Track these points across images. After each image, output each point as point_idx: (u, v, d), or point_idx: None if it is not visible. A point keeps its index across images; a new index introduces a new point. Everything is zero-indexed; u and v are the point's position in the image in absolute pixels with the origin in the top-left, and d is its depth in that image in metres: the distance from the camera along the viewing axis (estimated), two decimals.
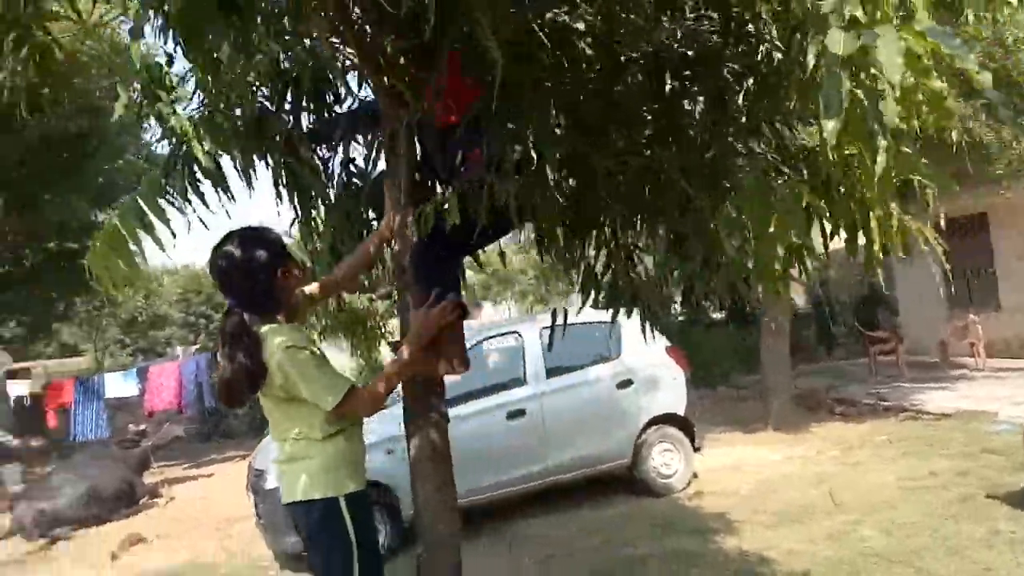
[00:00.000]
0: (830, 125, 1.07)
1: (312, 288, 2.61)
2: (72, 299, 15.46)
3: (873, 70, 1.06)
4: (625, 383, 7.18)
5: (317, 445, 2.31)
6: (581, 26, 1.75)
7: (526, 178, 1.79)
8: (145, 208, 2.51)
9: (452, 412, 6.52)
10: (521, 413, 6.71)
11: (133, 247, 2.53)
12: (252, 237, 2.35)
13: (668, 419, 7.29)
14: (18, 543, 8.20)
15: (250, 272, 2.31)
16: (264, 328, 2.31)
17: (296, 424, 2.33)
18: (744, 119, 1.77)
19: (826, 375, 13.10)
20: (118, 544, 7.47)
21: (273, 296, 2.36)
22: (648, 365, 7.29)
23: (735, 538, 5.67)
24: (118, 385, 11.85)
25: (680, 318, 15.07)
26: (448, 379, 6.82)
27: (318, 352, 2.36)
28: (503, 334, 7.20)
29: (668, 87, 1.84)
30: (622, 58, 1.80)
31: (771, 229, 1.33)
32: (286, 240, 2.53)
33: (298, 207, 2.92)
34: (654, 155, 1.91)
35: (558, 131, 1.83)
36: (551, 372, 6.98)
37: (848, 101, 1.06)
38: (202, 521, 8.42)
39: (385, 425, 6.21)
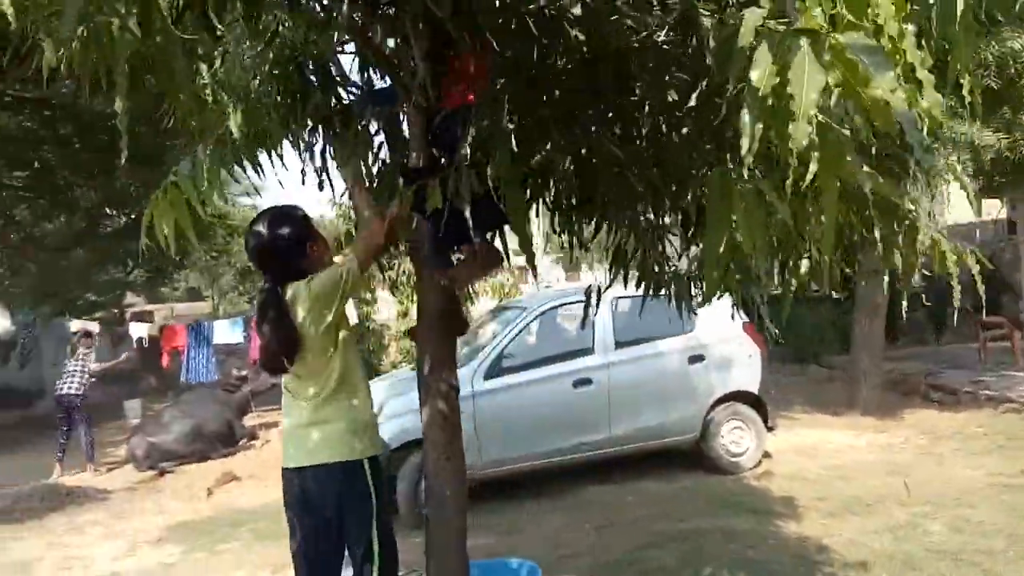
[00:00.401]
0: (745, 145, 1.06)
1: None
2: (185, 247, 16.50)
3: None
4: (696, 358, 7.09)
5: (339, 407, 2.47)
6: (577, 10, 1.74)
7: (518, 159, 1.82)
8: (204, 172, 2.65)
9: (518, 378, 6.71)
10: (587, 382, 6.76)
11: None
12: (280, 215, 2.51)
13: (740, 397, 7.16)
14: (130, 472, 9.07)
15: (282, 248, 2.47)
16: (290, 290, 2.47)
17: (315, 382, 2.48)
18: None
19: (929, 359, 12.38)
20: (214, 480, 8.12)
21: (303, 269, 2.51)
22: (722, 341, 7.16)
23: (797, 523, 5.56)
24: (226, 332, 12.72)
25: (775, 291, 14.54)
26: (515, 345, 6.92)
27: None
28: (573, 302, 7.24)
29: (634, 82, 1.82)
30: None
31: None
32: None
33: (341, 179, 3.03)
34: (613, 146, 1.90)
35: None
36: (620, 343, 6.97)
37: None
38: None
39: None
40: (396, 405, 6.42)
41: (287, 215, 2.52)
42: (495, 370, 6.61)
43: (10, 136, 10.84)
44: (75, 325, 15.92)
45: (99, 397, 14.95)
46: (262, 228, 2.48)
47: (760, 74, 1.05)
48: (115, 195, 12.86)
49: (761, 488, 6.60)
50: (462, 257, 2.51)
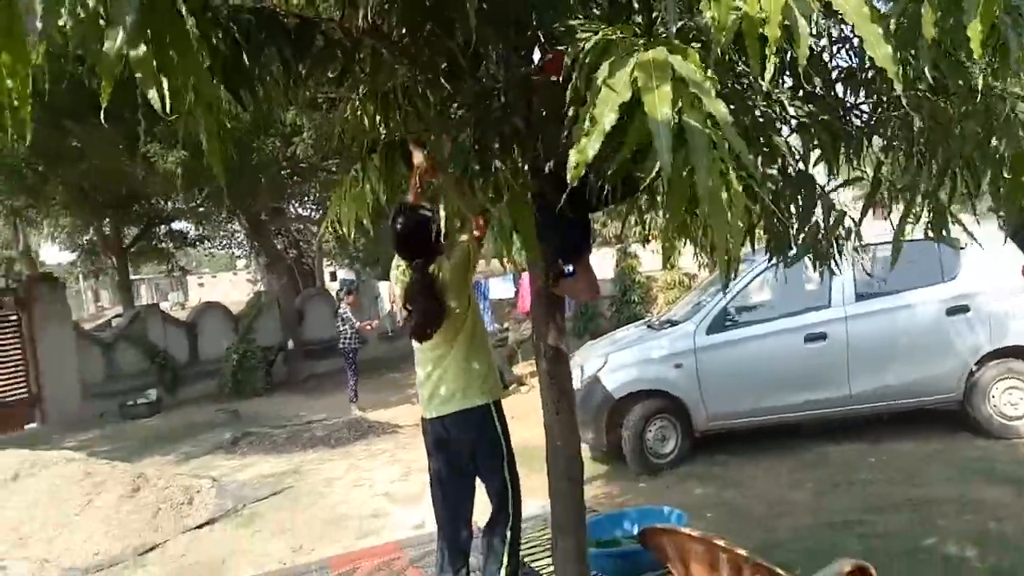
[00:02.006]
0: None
1: None
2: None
3: None
4: (958, 308, 6.32)
5: (468, 359, 2.93)
6: None
7: None
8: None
9: (743, 332, 6.65)
10: (822, 337, 6.42)
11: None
12: (414, 207, 2.98)
13: (1018, 352, 6.26)
14: (419, 409, 10.61)
15: (422, 232, 2.93)
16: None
17: (449, 339, 2.95)
18: None
19: None
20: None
21: (437, 250, 2.97)
22: (994, 289, 6.29)
23: None
24: (500, 287, 13.99)
25: None
26: (742, 299, 6.83)
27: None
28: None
29: None
30: None
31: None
32: None
33: None
34: None
35: None
36: (862, 295, 6.48)
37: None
38: None
39: (675, 341, 6.62)
40: (619, 358, 6.75)
41: (418, 207, 2.98)
42: (719, 325, 6.59)
43: None
44: (384, 287, 18.64)
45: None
46: (404, 218, 2.98)
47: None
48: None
49: None
50: (570, 269, 2.75)
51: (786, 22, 1.30)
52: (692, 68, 1.20)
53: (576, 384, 6.97)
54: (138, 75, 1.25)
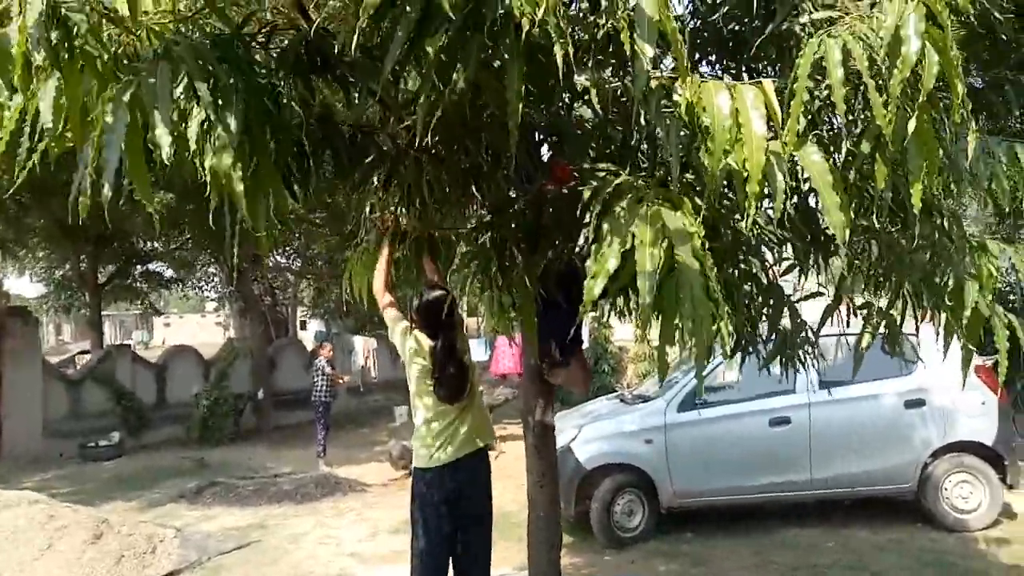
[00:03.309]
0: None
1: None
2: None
3: None
4: (915, 402, 6.64)
5: (475, 410, 3.23)
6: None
7: None
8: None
9: (712, 412, 6.88)
10: (785, 421, 6.69)
11: None
12: (435, 287, 3.23)
13: (969, 447, 6.56)
14: (388, 469, 10.59)
15: (442, 309, 3.18)
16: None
17: (468, 395, 3.26)
18: None
19: None
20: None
21: (454, 323, 3.24)
22: (947, 385, 6.62)
23: None
24: (479, 350, 14.17)
25: None
26: (711, 379, 7.07)
27: None
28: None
29: None
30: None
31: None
32: None
33: None
34: None
35: None
36: (825, 383, 6.78)
37: None
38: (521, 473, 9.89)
39: (646, 416, 6.84)
40: (592, 430, 6.93)
41: (438, 286, 3.23)
42: (690, 403, 6.82)
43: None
44: (359, 341, 18.68)
45: (383, 401, 17.54)
46: (430, 297, 3.22)
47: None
48: None
49: (986, 551, 6.02)
50: (563, 360, 2.98)
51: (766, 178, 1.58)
52: (682, 221, 1.46)
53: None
54: (221, 183, 1.48)
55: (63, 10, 1.50)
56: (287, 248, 17.49)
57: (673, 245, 1.42)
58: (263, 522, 7.75)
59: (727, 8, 2.01)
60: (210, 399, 13.28)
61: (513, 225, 2.07)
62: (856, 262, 2.49)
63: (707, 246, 1.57)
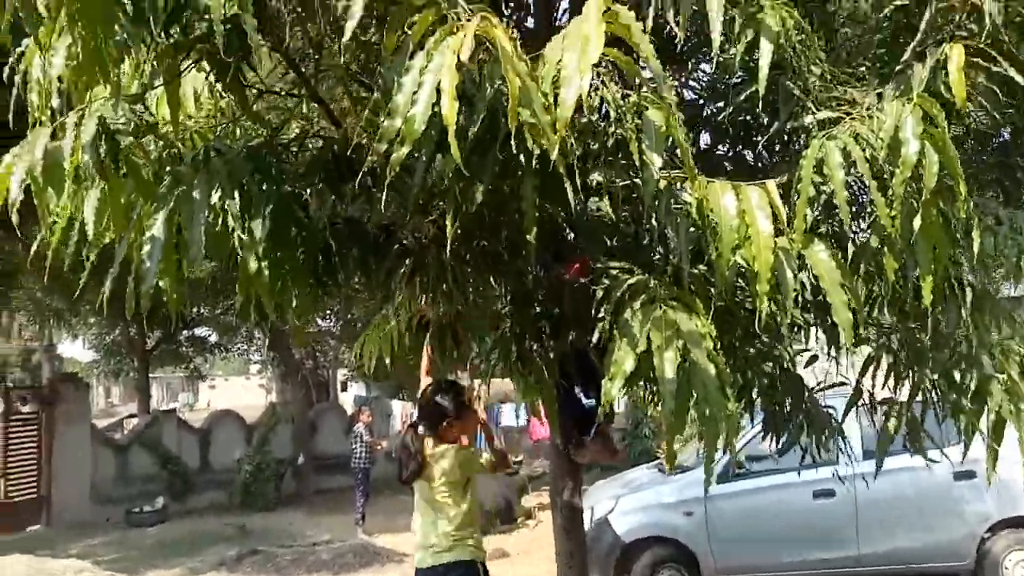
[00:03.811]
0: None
1: None
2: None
3: None
4: (965, 474, 6.38)
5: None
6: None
7: None
8: None
9: (753, 483, 6.73)
10: (829, 493, 6.48)
11: None
12: (440, 387, 3.30)
13: None
14: None
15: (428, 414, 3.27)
16: None
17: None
18: None
19: None
20: (487, 555, 9.11)
21: (440, 434, 3.27)
22: (1002, 456, 6.37)
23: None
24: (510, 415, 14.10)
25: None
26: (750, 448, 6.91)
27: None
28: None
29: None
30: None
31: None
32: None
33: None
34: None
35: None
36: (870, 453, 6.57)
37: None
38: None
39: (685, 488, 6.70)
40: (630, 502, 6.81)
41: (442, 390, 3.25)
42: (729, 473, 6.67)
43: None
44: (397, 406, 18.76)
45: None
46: (426, 396, 3.29)
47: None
48: None
49: None
50: (587, 438, 3.00)
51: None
52: (695, 323, 1.51)
53: (586, 525, 7.01)
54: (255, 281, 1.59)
55: (111, 127, 1.64)
56: (328, 312, 17.79)
57: (687, 347, 1.47)
58: None
59: (732, 108, 2.09)
60: (252, 464, 13.40)
61: (534, 313, 2.15)
62: (877, 355, 2.49)
63: (720, 340, 1.61)
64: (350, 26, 1.40)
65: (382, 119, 1.38)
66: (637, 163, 1.49)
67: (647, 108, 1.53)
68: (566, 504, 2.86)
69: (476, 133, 1.40)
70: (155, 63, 1.71)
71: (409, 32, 1.42)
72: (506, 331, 2.07)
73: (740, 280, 1.84)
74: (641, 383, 2.06)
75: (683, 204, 1.67)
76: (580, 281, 2.03)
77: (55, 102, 1.81)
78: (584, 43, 1.28)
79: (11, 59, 1.79)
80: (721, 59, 1.88)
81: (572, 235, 2.11)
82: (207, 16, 1.64)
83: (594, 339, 1.67)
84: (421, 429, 3.30)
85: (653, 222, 1.71)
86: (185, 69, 1.84)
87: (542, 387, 2.12)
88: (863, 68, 2.32)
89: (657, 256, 1.90)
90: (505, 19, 1.63)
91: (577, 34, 1.31)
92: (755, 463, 6.88)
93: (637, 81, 1.52)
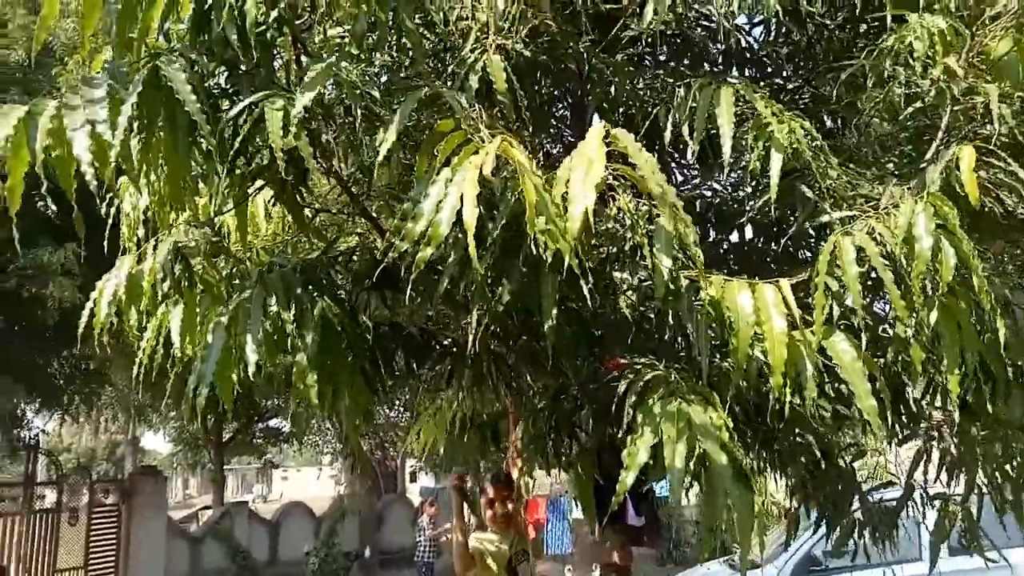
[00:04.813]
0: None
1: None
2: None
3: None
4: None
5: None
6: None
7: None
8: None
9: None
10: None
11: None
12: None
13: None
14: None
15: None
16: None
17: None
18: None
19: None
20: None
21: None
22: None
23: None
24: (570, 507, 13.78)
25: None
26: (827, 543, 6.58)
27: None
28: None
29: None
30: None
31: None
32: None
33: None
34: None
35: None
36: (956, 550, 6.18)
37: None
38: None
39: None
40: None
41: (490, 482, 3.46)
42: (802, 570, 6.37)
43: None
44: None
45: None
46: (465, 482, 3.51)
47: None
48: None
49: None
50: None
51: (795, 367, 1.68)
52: (710, 416, 1.57)
53: None
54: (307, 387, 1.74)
55: (183, 249, 1.86)
56: (395, 403, 18.02)
57: (699, 440, 1.53)
58: None
59: (754, 210, 2.19)
60: (319, 557, 13.42)
61: (569, 408, 2.24)
62: (927, 448, 2.46)
63: (753, 433, 1.66)
64: (384, 148, 1.59)
65: (408, 224, 1.55)
66: (650, 265, 1.60)
67: (658, 215, 1.64)
68: None
69: (501, 238, 1.54)
70: (225, 191, 1.94)
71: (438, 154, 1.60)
72: (542, 428, 2.17)
73: (764, 371, 1.89)
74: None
75: (701, 302, 1.75)
76: (615, 376, 2.10)
77: (140, 232, 2.07)
78: (588, 165, 1.42)
79: (108, 196, 2.06)
80: (740, 167, 1.99)
81: (599, 334, 2.20)
82: (270, 147, 1.87)
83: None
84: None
85: (670, 319, 1.80)
86: (252, 194, 2.07)
87: (577, 484, 2.19)
88: (891, 164, 2.40)
89: (681, 352, 1.97)
90: (539, 137, 1.80)
91: (582, 156, 1.46)
92: (832, 559, 6.55)
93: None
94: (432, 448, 3.58)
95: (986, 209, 1.89)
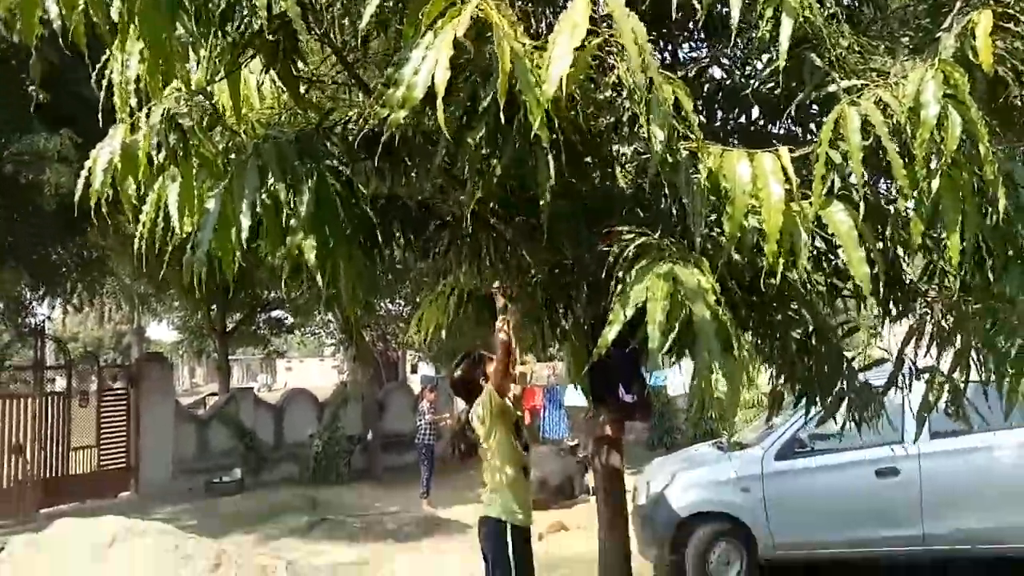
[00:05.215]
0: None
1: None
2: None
3: None
4: None
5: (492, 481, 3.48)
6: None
7: None
8: None
9: (814, 461, 6.66)
10: (893, 472, 6.37)
11: None
12: (460, 363, 3.61)
13: None
14: None
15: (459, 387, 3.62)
16: None
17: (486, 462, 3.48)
18: None
19: None
20: (547, 527, 9.29)
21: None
22: None
23: None
24: (577, 395, 14.21)
25: None
26: (812, 426, 6.78)
27: None
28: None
29: None
30: None
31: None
32: None
33: None
34: None
35: None
36: (937, 433, 6.41)
37: None
38: None
39: (743, 464, 6.70)
40: (687, 477, 6.85)
41: (465, 363, 3.60)
42: (789, 451, 6.63)
43: None
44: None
45: None
46: (454, 370, 3.71)
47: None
48: None
49: None
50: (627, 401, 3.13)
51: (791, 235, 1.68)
52: (696, 278, 1.59)
53: (642, 499, 7.09)
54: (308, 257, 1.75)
55: (176, 116, 1.83)
56: (396, 296, 18.21)
57: (687, 299, 1.54)
58: (368, 559, 8.07)
59: (760, 82, 2.13)
60: (323, 440, 13.94)
61: (565, 282, 2.25)
62: (920, 324, 2.50)
63: (736, 295, 1.68)
64: (369, 10, 1.54)
65: (390, 90, 1.52)
66: (646, 134, 1.57)
67: (658, 84, 1.60)
68: (605, 467, 2.96)
69: (496, 108, 1.51)
70: (216, 59, 1.89)
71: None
72: (537, 300, 2.19)
73: (760, 243, 1.89)
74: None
75: (699, 173, 1.74)
76: (610, 249, 2.11)
77: (132, 101, 2.01)
78: (572, 28, 1.38)
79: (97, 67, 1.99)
80: (749, 36, 1.93)
81: (596, 207, 2.19)
82: (260, 14, 1.80)
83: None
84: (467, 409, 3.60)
85: (667, 191, 1.78)
86: (243, 63, 2.01)
87: (572, 356, 2.24)
88: (906, 39, 2.32)
89: (677, 226, 1.97)
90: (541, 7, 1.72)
91: (568, 19, 1.42)
92: (816, 441, 6.80)
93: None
94: (434, 335, 3.66)
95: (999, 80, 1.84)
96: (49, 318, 15.60)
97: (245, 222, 1.68)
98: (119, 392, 12.88)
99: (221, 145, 2.16)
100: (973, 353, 2.41)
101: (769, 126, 2.73)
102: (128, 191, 2.05)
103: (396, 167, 2.04)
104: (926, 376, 2.57)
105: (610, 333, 1.59)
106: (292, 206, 1.75)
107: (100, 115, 2.02)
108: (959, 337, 2.34)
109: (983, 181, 1.79)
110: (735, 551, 6.48)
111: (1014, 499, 6.13)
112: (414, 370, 32.90)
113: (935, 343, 2.50)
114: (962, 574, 6.47)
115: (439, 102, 1.41)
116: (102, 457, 12.28)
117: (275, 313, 20.84)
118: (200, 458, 13.27)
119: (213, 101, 2.23)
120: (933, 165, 1.71)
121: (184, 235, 2.05)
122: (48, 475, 11.46)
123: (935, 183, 1.68)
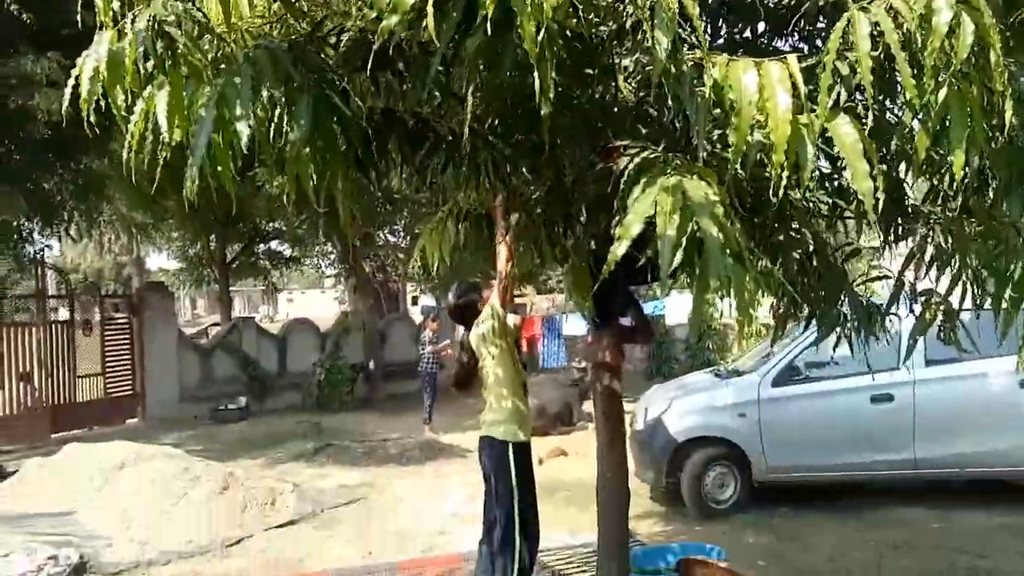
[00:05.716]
0: None
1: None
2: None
3: None
4: None
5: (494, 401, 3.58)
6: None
7: None
8: None
9: (809, 388, 6.75)
10: (888, 398, 6.48)
11: None
12: (459, 289, 3.71)
13: None
14: None
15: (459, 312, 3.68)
16: None
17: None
18: None
19: None
20: (547, 453, 9.51)
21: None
22: None
23: None
24: (575, 324, 14.31)
25: None
26: (808, 354, 6.82)
27: None
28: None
29: None
30: None
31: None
32: None
33: None
34: None
35: None
36: (932, 360, 6.49)
37: None
38: None
39: (740, 390, 6.80)
40: (684, 403, 6.97)
41: (463, 289, 3.70)
42: (785, 378, 6.72)
43: None
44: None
45: None
46: (451, 297, 3.75)
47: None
48: None
49: None
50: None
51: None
52: (704, 190, 1.56)
53: (640, 425, 7.23)
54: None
55: (163, 23, 1.76)
56: (395, 227, 18.16)
57: (695, 213, 1.52)
58: (372, 482, 8.28)
59: None
60: (325, 368, 14.13)
61: (565, 199, 2.23)
62: (920, 246, 2.48)
63: (739, 215, 1.66)
64: None
65: None
66: (648, 44, 1.52)
67: None
68: (605, 389, 3.00)
69: (493, 16, 1.45)
70: None
71: None
72: (536, 219, 2.17)
73: (764, 159, 1.86)
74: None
75: (703, 85, 1.69)
76: (613, 167, 2.08)
77: (115, 5, 1.93)
78: None
79: None
80: None
81: (598, 122, 2.15)
82: None
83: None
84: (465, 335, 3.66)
85: (671, 103, 1.74)
86: None
87: (572, 276, 2.23)
88: None
89: (681, 140, 1.94)
90: None
91: None
92: (812, 368, 6.89)
93: None
94: (437, 264, 3.65)
95: None
96: (48, 246, 15.56)
97: (243, 130, 1.64)
98: (122, 321, 12.99)
99: (211, 55, 2.10)
100: (971, 275, 2.40)
101: (776, 41, 2.65)
102: (117, 100, 1.99)
103: (392, 80, 1.98)
104: (923, 298, 2.58)
105: (619, 248, 1.57)
106: (287, 116, 1.70)
107: (83, 32, 1.95)
108: (957, 258, 2.32)
109: (991, 93, 1.75)
110: (730, 474, 6.65)
111: (1004, 424, 6.26)
112: (414, 302, 33.13)
113: (935, 265, 2.49)
114: (947, 495, 6.63)
115: (429, 7, 1.35)
116: (108, 385, 12.48)
117: (274, 244, 20.82)
118: (204, 386, 13.48)
119: (200, 7, 2.16)
120: (941, 77, 1.66)
121: (174, 144, 1.99)
122: (56, 402, 11.67)
123: (942, 94, 1.64)
